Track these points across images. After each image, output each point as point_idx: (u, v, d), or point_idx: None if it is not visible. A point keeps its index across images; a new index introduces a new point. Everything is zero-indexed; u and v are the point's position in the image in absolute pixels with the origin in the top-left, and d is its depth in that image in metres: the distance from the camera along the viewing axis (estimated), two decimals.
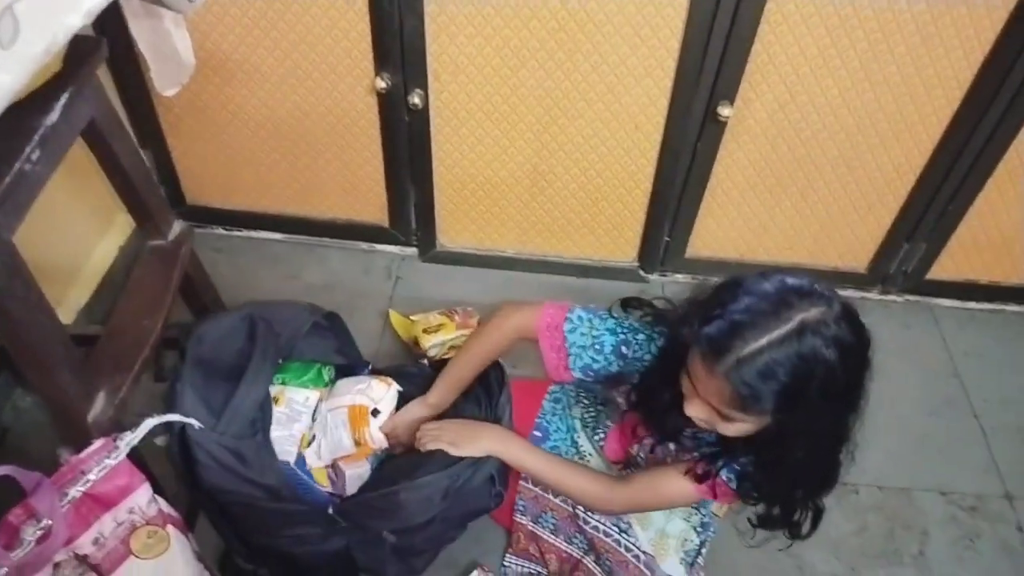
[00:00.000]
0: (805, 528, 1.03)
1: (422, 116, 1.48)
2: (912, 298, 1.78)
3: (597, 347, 1.06)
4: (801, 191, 1.58)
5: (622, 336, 1.06)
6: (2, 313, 0.79)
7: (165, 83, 1.03)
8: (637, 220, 1.67)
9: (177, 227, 1.14)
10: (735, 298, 0.84)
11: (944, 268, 1.71)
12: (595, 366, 1.07)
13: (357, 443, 1.15)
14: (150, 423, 0.97)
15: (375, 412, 1.18)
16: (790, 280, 0.84)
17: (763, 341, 0.80)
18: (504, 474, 1.13)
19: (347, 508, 1.06)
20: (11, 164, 0.78)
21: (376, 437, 1.16)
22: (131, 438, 0.95)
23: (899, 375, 1.63)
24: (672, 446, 1.10)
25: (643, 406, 1.06)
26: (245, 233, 1.80)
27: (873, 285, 1.76)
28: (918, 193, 1.55)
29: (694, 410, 0.90)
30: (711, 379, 0.84)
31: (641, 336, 1.06)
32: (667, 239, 1.69)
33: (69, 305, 1.46)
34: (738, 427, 0.89)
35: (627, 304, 1.13)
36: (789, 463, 0.93)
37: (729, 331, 0.82)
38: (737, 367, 0.81)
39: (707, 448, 1.04)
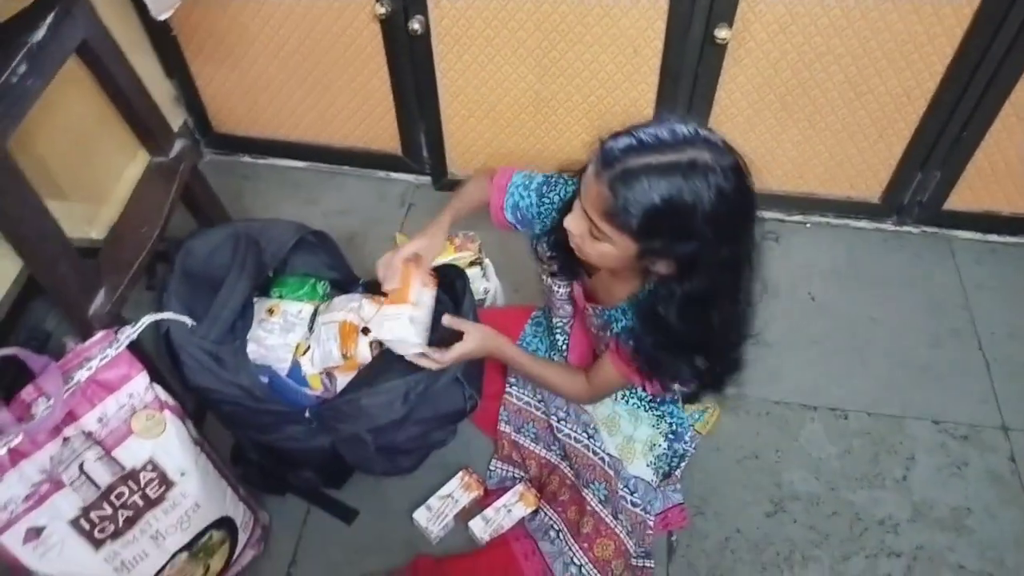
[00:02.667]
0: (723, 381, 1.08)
1: (424, 43, 1.52)
2: (929, 229, 1.73)
3: (527, 183, 1.15)
4: (808, 117, 1.55)
5: (552, 179, 1.14)
6: (1, 211, 0.89)
7: (157, 6, 1.09)
8: None
9: (179, 145, 1.22)
10: (647, 125, 0.90)
11: (963, 198, 1.65)
12: (521, 203, 1.15)
13: (345, 356, 1.23)
14: (148, 319, 1.08)
15: (365, 331, 1.26)
16: (703, 131, 0.89)
17: (651, 160, 0.86)
18: (474, 377, 1.19)
19: (318, 411, 1.15)
20: None
21: (363, 354, 1.24)
22: (131, 331, 1.05)
23: (905, 305, 1.61)
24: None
25: (558, 249, 1.11)
26: (270, 161, 1.89)
27: (888, 216, 1.72)
28: (930, 118, 1.50)
29: (572, 221, 0.96)
30: (595, 185, 0.89)
31: (563, 181, 1.13)
32: None
33: (102, 221, 1.57)
34: (602, 248, 0.94)
35: None
36: (687, 317, 0.97)
37: (626, 147, 0.88)
38: (622, 177, 0.87)
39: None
